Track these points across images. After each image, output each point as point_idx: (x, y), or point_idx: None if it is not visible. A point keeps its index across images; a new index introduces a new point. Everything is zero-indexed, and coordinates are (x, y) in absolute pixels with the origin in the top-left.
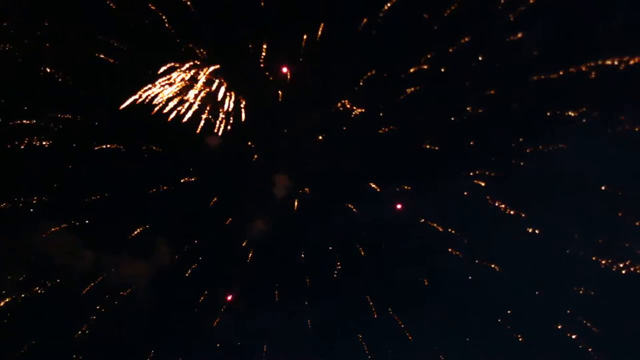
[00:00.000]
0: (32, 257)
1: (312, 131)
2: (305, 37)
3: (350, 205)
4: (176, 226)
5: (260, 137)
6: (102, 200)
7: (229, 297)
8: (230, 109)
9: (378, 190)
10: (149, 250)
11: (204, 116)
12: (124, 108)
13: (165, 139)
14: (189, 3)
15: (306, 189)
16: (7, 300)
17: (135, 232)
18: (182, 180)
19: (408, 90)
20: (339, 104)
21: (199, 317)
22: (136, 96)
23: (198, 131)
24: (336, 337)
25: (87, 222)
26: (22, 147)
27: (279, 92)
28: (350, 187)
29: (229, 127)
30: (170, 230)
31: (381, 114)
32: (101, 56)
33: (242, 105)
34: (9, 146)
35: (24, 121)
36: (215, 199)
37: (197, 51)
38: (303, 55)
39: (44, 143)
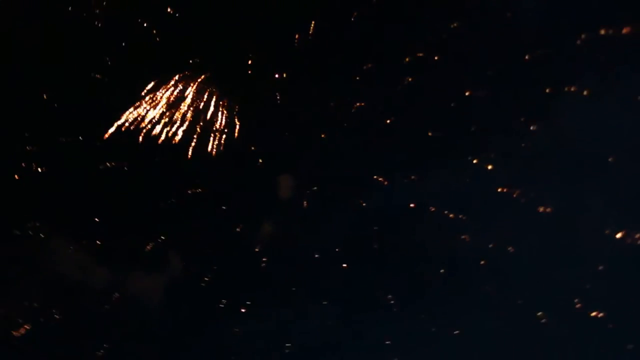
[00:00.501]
0: (46, 282)
1: (313, 130)
2: (297, 36)
3: (360, 201)
4: (187, 238)
5: (262, 140)
6: (111, 218)
7: (247, 303)
8: (224, 118)
9: (385, 183)
10: (162, 264)
11: (198, 127)
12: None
13: (166, 153)
14: (177, 15)
15: (314, 188)
16: (26, 327)
17: (147, 247)
18: (188, 192)
19: (405, 80)
20: (338, 100)
21: (218, 327)
22: (124, 117)
23: (193, 144)
24: (356, 333)
25: (98, 242)
26: (26, 174)
27: (276, 94)
28: (357, 182)
29: (224, 136)
30: (181, 243)
31: (381, 106)
32: (97, 76)
33: (235, 111)
34: (15, 175)
35: (27, 147)
36: (224, 207)
37: (189, 61)
38: (297, 54)
39: (43, 168)
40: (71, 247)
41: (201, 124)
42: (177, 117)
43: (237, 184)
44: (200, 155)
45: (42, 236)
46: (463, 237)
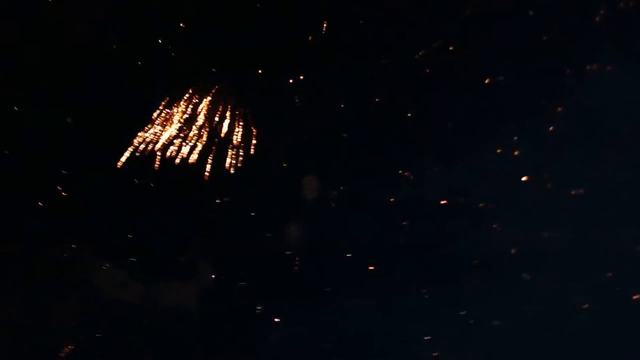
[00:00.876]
0: (84, 300)
1: (334, 130)
2: (310, 38)
3: (388, 198)
4: (217, 247)
5: (283, 144)
6: (141, 235)
7: (282, 306)
8: (243, 126)
9: (411, 177)
10: (194, 275)
11: (218, 138)
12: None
13: (189, 166)
14: (188, 28)
15: (340, 187)
16: (70, 347)
17: (179, 259)
18: (217, 201)
19: (422, 73)
20: (357, 98)
21: (254, 333)
22: (136, 143)
23: (214, 154)
24: (394, 330)
25: (132, 259)
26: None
27: (294, 97)
28: (383, 178)
29: (244, 144)
30: (212, 253)
31: (399, 101)
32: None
33: (253, 118)
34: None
35: (53, 174)
36: (252, 214)
37: (204, 72)
38: (311, 55)
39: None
40: (106, 265)
41: (220, 134)
42: (196, 130)
43: (263, 190)
44: (223, 164)
45: (78, 257)
46: (494, 226)
